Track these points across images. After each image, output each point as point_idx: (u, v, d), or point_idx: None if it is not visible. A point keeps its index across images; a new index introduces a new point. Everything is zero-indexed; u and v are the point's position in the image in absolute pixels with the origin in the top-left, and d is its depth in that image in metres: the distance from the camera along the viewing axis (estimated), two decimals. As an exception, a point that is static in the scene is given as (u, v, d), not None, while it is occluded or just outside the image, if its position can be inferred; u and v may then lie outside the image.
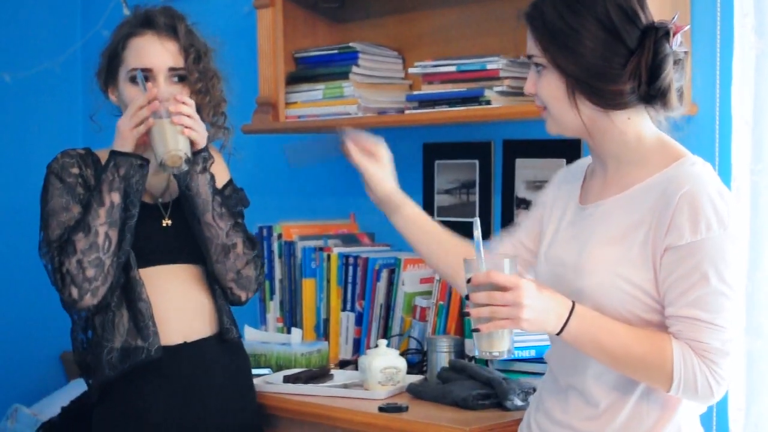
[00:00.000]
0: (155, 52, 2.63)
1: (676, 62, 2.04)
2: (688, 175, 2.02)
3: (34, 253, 2.61)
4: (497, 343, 2.06)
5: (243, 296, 2.71)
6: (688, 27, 2.07)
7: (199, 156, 2.57)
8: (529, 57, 2.12)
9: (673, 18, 2.05)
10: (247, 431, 2.77)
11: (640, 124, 2.10)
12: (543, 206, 2.33)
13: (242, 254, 2.66)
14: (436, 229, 2.47)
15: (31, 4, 4.62)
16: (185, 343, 2.65)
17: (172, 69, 2.64)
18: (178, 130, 2.51)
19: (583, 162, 2.30)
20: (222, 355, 2.72)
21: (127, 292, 2.60)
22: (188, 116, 2.53)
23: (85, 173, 2.63)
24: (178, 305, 2.66)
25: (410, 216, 2.46)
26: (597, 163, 2.18)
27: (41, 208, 2.61)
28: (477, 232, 2.08)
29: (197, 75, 2.67)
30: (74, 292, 2.51)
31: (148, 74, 2.61)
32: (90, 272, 2.51)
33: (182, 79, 2.66)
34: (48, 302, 4.33)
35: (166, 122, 2.51)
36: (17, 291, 4.43)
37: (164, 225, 2.68)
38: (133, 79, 2.62)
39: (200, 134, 2.56)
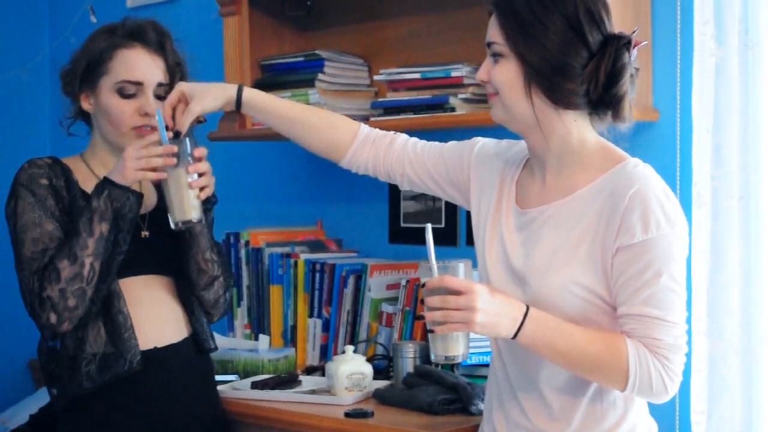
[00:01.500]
0: (146, 67, 2.65)
1: (630, 75, 2.08)
2: (635, 175, 2.06)
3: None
4: (452, 347, 2.10)
5: (216, 318, 2.83)
6: (646, 42, 2.11)
7: (207, 202, 2.59)
8: (489, 45, 2.14)
9: (634, 32, 2.09)
10: None
11: (584, 128, 2.13)
12: (472, 167, 2.34)
13: (223, 283, 2.77)
14: (287, 111, 2.50)
15: (-2, 12, 4.62)
16: (155, 348, 2.65)
17: (159, 84, 2.66)
18: (195, 194, 2.48)
19: (518, 150, 2.30)
20: (191, 360, 2.73)
21: (104, 303, 2.58)
22: (205, 173, 2.51)
23: (55, 184, 2.60)
24: (150, 313, 2.67)
25: (252, 105, 2.50)
26: (535, 162, 2.20)
27: (12, 223, 2.58)
28: (429, 236, 2.11)
29: None
30: (53, 317, 2.50)
31: (137, 87, 2.62)
32: (71, 302, 2.49)
33: (165, 95, 2.64)
34: (15, 309, 4.34)
35: (184, 184, 2.46)
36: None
37: (142, 236, 2.68)
38: (120, 91, 2.62)
39: (212, 187, 2.55)
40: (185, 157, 2.48)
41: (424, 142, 2.46)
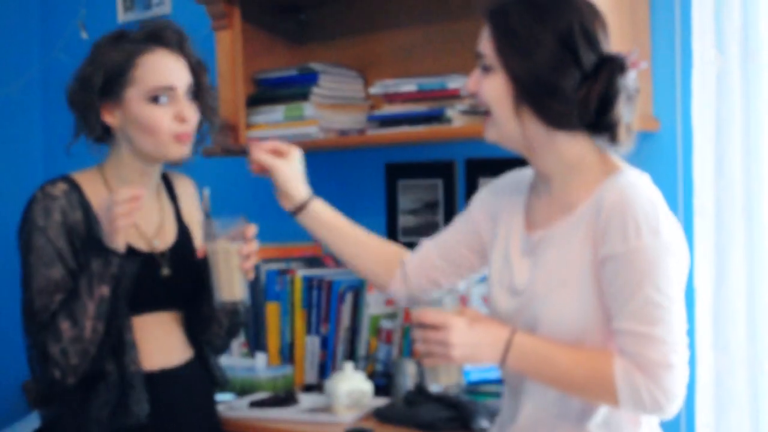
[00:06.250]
0: (174, 69, 2.50)
1: (628, 98, 2.02)
2: (619, 185, 1.99)
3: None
4: (443, 377, 2.10)
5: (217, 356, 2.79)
6: (646, 64, 2.05)
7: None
8: (478, 56, 2.08)
9: (632, 53, 2.03)
10: None
11: (582, 144, 2.06)
12: (480, 215, 2.29)
13: (233, 338, 2.75)
14: (346, 229, 2.43)
15: (-14, 29, 4.58)
16: (162, 370, 2.57)
17: (189, 86, 2.53)
18: (244, 275, 2.42)
19: (519, 178, 2.25)
20: (196, 380, 2.66)
21: (116, 350, 2.47)
22: (252, 254, 2.44)
23: (70, 219, 2.46)
24: (160, 342, 2.58)
25: (316, 214, 2.43)
26: (541, 181, 2.14)
27: (22, 255, 2.46)
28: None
29: (210, 93, 2.60)
30: (56, 373, 2.40)
31: (169, 92, 2.48)
32: (74, 360, 2.39)
33: (194, 96, 2.54)
34: (7, 330, 4.31)
35: (235, 265, 2.39)
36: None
37: (163, 275, 2.57)
38: (155, 99, 2.47)
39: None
40: (237, 238, 2.41)
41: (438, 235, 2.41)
